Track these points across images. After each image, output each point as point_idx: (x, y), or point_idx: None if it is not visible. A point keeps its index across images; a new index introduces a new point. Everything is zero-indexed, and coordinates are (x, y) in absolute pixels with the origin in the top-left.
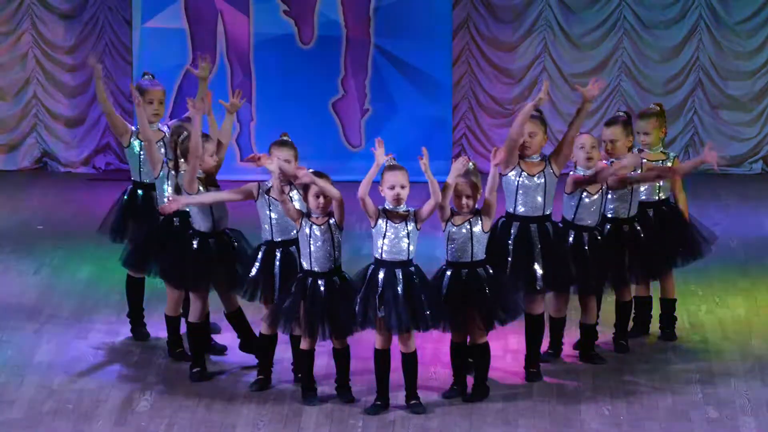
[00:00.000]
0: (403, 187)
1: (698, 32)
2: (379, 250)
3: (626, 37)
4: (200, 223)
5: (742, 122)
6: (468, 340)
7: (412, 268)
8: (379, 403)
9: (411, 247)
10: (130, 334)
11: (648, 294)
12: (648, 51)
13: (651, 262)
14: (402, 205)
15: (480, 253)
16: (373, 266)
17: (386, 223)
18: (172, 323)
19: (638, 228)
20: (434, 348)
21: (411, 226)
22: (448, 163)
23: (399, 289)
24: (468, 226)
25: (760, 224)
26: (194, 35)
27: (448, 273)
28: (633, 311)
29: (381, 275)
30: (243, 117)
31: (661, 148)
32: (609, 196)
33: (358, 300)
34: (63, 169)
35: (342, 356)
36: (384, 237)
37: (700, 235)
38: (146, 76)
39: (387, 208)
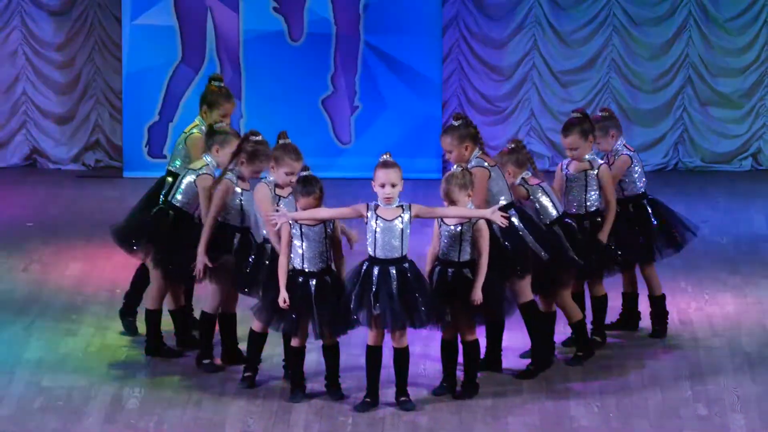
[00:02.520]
0: (393, 185)
1: (688, 29)
2: (372, 248)
3: (616, 34)
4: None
5: (731, 119)
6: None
7: (406, 265)
8: (368, 400)
9: (404, 244)
10: (120, 329)
11: (635, 290)
12: (637, 48)
13: (621, 254)
14: (393, 203)
15: (467, 253)
16: (366, 263)
17: (377, 220)
18: (156, 317)
19: (599, 220)
20: (424, 345)
21: (404, 223)
22: (439, 161)
23: (393, 286)
24: (459, 227)
25: (749, 221)
26: (184, 32)
27: (437, 270)
28: (621, 307)
29: (375, 272)
30: (232, 114)
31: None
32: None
33: (353, 297)
34: (52, 166)
35: (332, 353)
36: (375, 234)
37: (678, 231)
38: (215, 82)
39: (378, 204)
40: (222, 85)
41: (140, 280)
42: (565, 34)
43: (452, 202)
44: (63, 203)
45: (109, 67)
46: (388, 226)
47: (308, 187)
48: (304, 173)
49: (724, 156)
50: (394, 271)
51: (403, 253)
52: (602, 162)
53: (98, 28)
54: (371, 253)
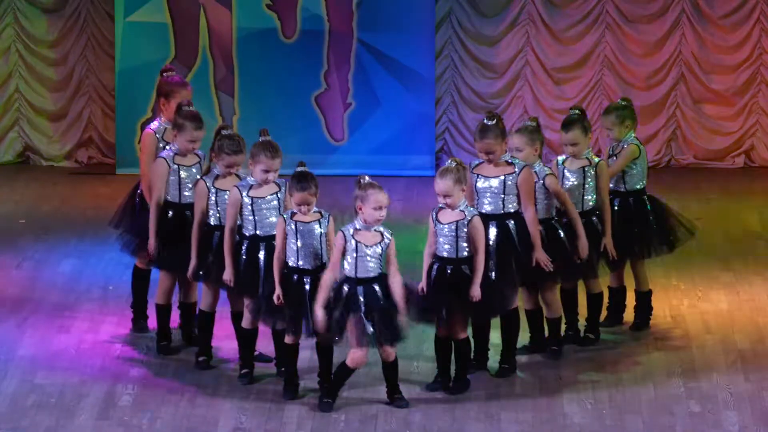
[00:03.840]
0: (386, 207)
1: (681, 26)
2: (350, 271)
3: (609, 32)
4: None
5: (724, 116)
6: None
7: (385, 282)
8: (328, 400)
9: (380, 263)
10: (114, 328)
11: (622, 284)
12: (630, 45)
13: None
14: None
15: (465, 250)
16: (346, 285)
17: (357, 245)
18: (163, 312)
19: (594, 219)
20: (417, 343)
21: (383, 250)
22: (432, 158)
23: (380, 303)
24: (454, 225)
25: (742, 218)
26: (177, 29)
27: (436, 267)
28: (608, 302)
29: (361, 294)
30: (225, 111)
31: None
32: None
33: (335, 317)
34: (45, 163)
35: (325, 351)
36: (356, 259)
37: (674, 227)
38: (169, 73)
39: (358, 227)
40: (174, 74)
41: (140, 286)
42: (558, 31)
43: (448, 197)
44: (56, 200)
45: (102, 64)
46: (365, 253)
47: (303, 182)
48: (300, 169)
49: (717, 153)
50: (377, 288)
51: (380, 273)
52: (600, 158)
53: (91, 26)
54: (348, 274)
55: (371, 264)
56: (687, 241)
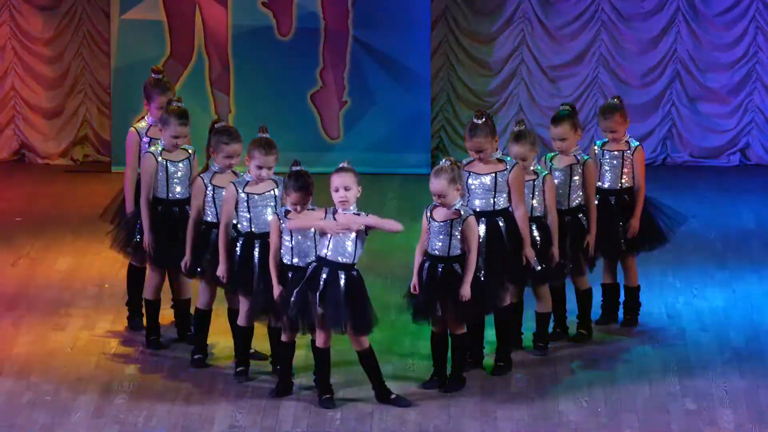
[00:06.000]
0: (347, 188)
1: (676, 24)
2: (324, 249)
3: (604, 29)
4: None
5: (720, 114)
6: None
7: (354, 273)
8: (328, 396)
9: (357, 251)
10: (109, 324)
11: (614, 281)
12: (626, 43)
13: (607, 247)
14: (350, 208)
15: (457, 248)
16: (315, 264)
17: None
18: (152, 307)
19: (581, 216)
20: (412, 341)
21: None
22: (428, 156)
23: (341, 289)
24: (449, 222)
25: (737, 216)
26: (172, 27)
27: (427, 265)
28: (601, 299)
29: (324, 275)
30: (221, 109)
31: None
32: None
33: (295, 293)
34: (41, 161)
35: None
36: (330, 236)
37: (663, 222)
38: (156, 75)
39: (336, 210)
40: (159, 77)
41: (135, 284)
42: (554, 29)
43: (442, 197)
44: (52, 198)
45: (98, 61)
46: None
47: (301, 182)
48: (295, 168)
49: (712, 151)
50: (343, 276)
51: (354, 261)
52: (588, 158)
53: (87, 23)
54: (321, 254)
55: (348, 246)
56: (674, 235)
